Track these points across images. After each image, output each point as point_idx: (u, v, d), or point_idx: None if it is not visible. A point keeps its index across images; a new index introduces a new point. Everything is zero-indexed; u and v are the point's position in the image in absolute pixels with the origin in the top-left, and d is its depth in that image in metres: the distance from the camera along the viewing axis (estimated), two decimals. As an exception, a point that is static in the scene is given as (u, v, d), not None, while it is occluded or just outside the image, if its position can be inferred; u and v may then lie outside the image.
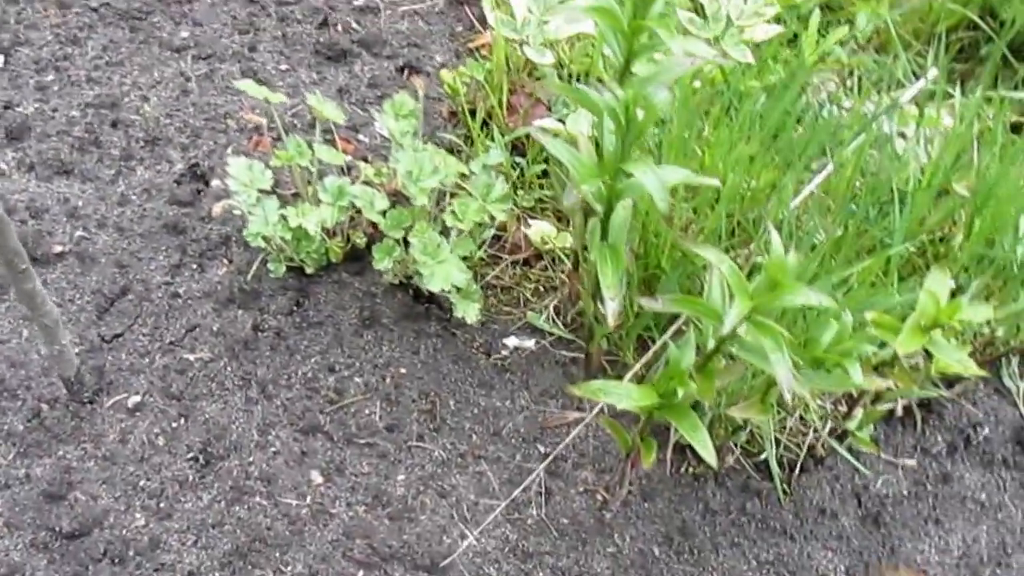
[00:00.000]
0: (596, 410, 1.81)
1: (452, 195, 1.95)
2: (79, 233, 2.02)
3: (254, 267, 1.97)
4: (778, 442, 1.77)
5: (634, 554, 1.69)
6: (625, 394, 1.46)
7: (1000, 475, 1.83)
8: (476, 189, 1.82)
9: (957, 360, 1.48)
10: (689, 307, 1.45)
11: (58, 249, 1.98)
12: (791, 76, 1.88)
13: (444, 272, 1.73)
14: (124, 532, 1.66)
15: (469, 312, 1.84)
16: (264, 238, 1.88)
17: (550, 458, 1.78)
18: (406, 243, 1.84)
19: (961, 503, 1.79)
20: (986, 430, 1.86)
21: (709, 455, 1.39)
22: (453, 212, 1.79)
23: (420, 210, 1.82)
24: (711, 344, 1.45)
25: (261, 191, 1.88)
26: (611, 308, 1.50)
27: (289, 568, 1.65)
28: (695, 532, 1.71)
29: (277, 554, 1.66)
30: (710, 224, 1.78)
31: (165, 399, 1.82)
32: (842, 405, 1.76)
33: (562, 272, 1.96)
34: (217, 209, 1.88)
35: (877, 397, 1.73)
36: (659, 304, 1.44)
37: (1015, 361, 1.92)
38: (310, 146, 1.90)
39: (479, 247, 1.92)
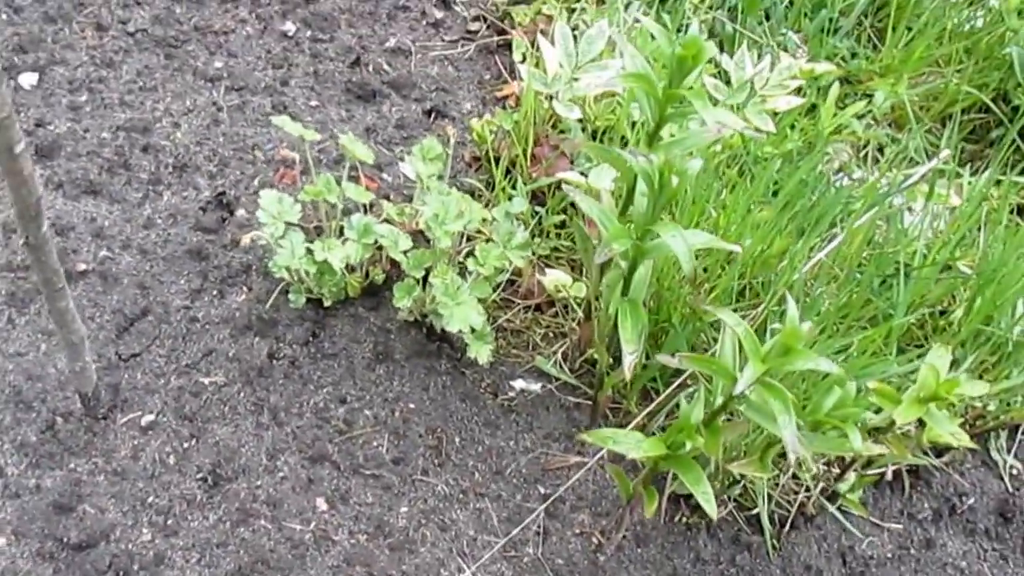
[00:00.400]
0: (598, 456, 1.85)
1: (470, 238, 2.02)
2: (103, 253, 2.07)
3: (273, 296, 2.02)
4: (770, 498, 1.82)
5: (626, 601, 1.74)
6: (635, 444, 1.51)
7: (982, 545, 1.88)
8: (498, 235, 1.88)
9: (951, 432, 1.54)
10: (704, 366, 1.51)
11: (82, 267, 2.03)
12: (808, 145, 1.96)
13: (462, 313, 1.79)
14: (130, 546, 1.70)
15: (481, 353, 1.89)
16: (288, 270, 1.94)
17: (550, 500, 1.83)
18: (424, 281, 1.90)
19: (942, 569, 1.84)
20: (971, 500, 1.91)
21: (710, 507, 1.44)
22: (474, 256, 1.85)
23: (442, 252, 1.88)
24: (719, 401, 1.51)
25: (288, 224, 1.94)
26: (628, 361, 1.55)
27: (290, 592, 1.69)
28: (684, 583, 1.76)
29: (278, 577, 1.70)
30: (722, 284, 1.85)
31: (178, 419, 1.86)
32: (835, 467, 1.82)
33: (573, 320, 2.02)
34: (245, 239, 1.94)
35: (869, 462, 1.79)
36: (676, 362, 1.49)
37: (1004, 435, 1.98)
38: (338, 183, 1.96)
39: (494, 291, 1.98)
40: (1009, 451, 1.99)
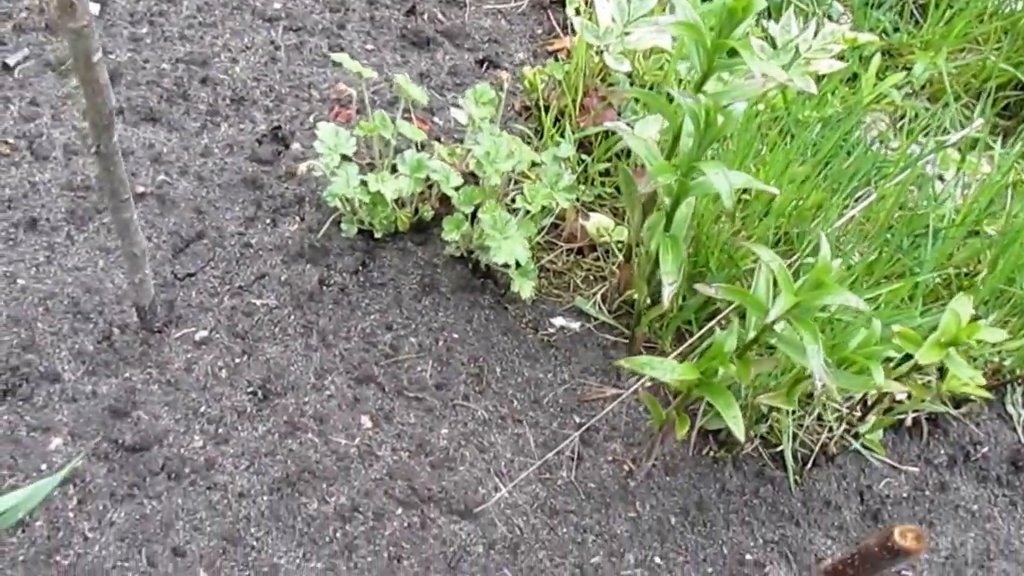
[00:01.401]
0: (633, 389, 1.94)
1: (517, 182, 2.10)
2: (161, 177, 2.16)
3: (325, 227, 2.11)
4: (794, 437, 1.91)
5: (652, 521, 1.82)
6: (669, 369, 1.59)
7: (993, 491, 1.97)
8: (546, 177, 1.96)
9: (969, 376, 1.62)
10: (739, 296, 1.59)
11: (140, 190, 2.11)
12: (848, 111, 2.04)
13: (509, 247, 1.87)
14: (182, 451, 1.79)
15: (524, 288, 1.97)
16: (342, 199, 2.02)
17: (584, 428, 1.91)
18: (472, 218, 1.99)
19: (954, 511, 1.92)
20: (985, 448, 2.00)
21: (739, 430, 1.52)
22: (523, 195, 1.93)
23: (492, 189, 1.96)
24: (751, 335, 1.59)
25: (344, 156, 2.02)
26: (668, 291, 1.64)
27: (333, 499, 1.77)
28: (710, 507, 1.84)
29: (324, 485, 1.79)
30: (759, 232, 1.93)
31: (230, 337, 1.95)
32: (857, 411, 1.90)
33: (613, 263, 2.10)
34: (302, 168, 2.02)
35: (889, 408, 1.87)
36: (712, 291, 1.58)
37: (1019, 390, 2.07)
38: (393, 121, 2.04)
39: (539, 232, 2.06)
40: (1023, 405, 2.08)
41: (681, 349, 1.95)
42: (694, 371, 1.58)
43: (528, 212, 1.95)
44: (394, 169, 2.04)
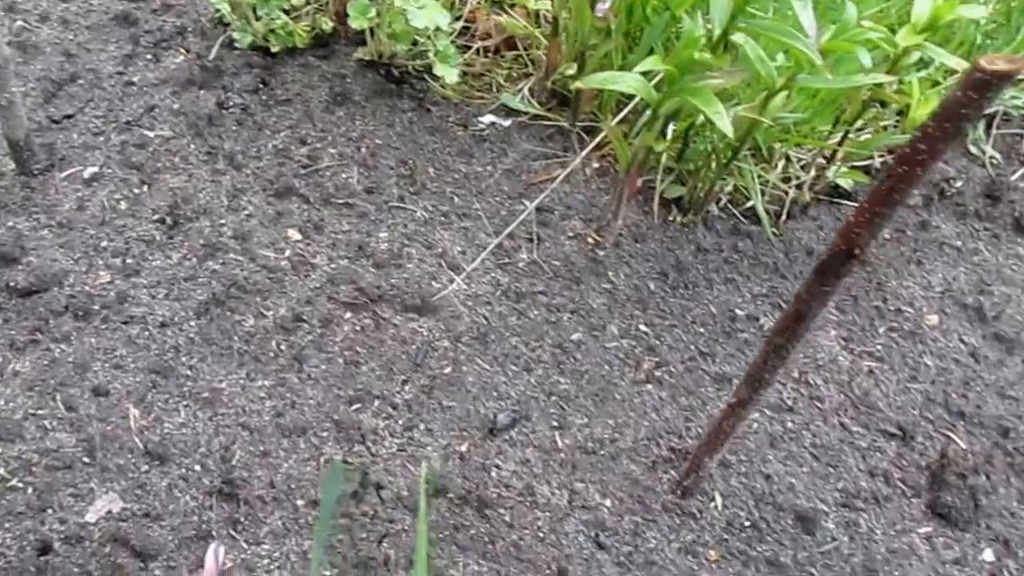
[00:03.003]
0: (583, 155, 1.77)
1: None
2: (19, 24, 1.91)
3: (215, 50, 1.89)
4: (763, 194, 1.77)
5: (629, 289, 1.65)
6: (632, 79, 1.43)
7: (973, 226, 1.86)
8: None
9: (955, 63, 1.50)
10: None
11: (-4, 43, 1.86)
12: None
13: (428, 14, 1.68)
14: (87, 288, 1.55)
15: (448, 74, 1.79)
16: (231, 3, 1.81)
17: (536, 202, 1.73)
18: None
19: (939, 248, 1.81)
20: (959, 183, 1.89)
21: (724, 125, 1.36)
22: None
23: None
24: (718, 31, 1.43)
25: (227, -39, 1.80)
26: (603, 6, 1.48)
27: (271, 312, 1.56)
28: (689, 268, 1.69)
29: (258, 299, 1.57)
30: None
31: (125, 169, 1.71)
32: (821, 159, 1.77)
33: (538, 48, 1.93)
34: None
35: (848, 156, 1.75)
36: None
37: (980, 127, 1.97)
38: (276, -83, 1.83)
39: (450, 34, 1.88)
40: (986, 143, 1.98)
41: (623, 115, 1.78)
42: (668, 62, 1.41)
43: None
44: (284, -26, 1.83)
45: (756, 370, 1.19)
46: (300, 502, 1.36)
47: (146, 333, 1.52)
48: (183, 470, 1.37)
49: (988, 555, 1.39)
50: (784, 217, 1.77)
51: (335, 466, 1.38)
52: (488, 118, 1.88)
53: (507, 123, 1.88)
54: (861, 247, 0.99)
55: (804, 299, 1.08)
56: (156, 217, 1.66)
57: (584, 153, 1.76)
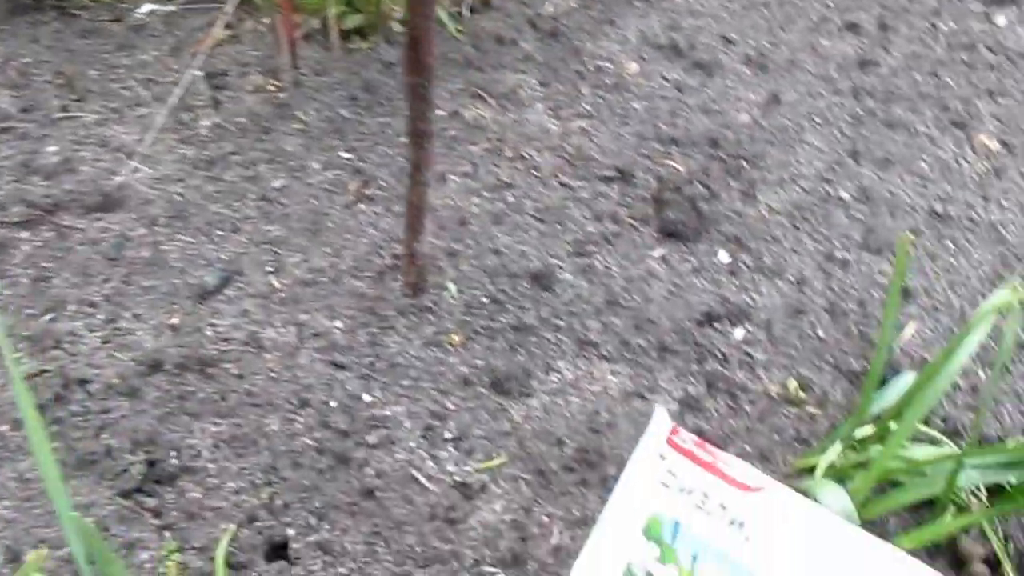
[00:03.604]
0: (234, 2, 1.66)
1: None
2: None
3: None
4: (441, -3, 1.70)
5: (322, 123, 1.56)
6: None
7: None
8: None
9: None
10: None
11: None
12: None
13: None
14: None
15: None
16: None
17: (199, 62, 1.61)
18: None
19: (628, 4, 1.76)
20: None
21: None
22: None
23: None
24: None
25: None
26: None
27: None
28: (379, 86, 1.60)
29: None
30: None
31: None
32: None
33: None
34: None
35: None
36: None
37: None
38: None
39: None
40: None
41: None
42: None
43: None
44: None
45: (413, 125, 1.11)
46: (4, 427, 1.22)
47: None
48: None
49: (723, 256, 1.36)
50: (469, 13, 1.69)
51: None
52: (147, 7, 1.76)
53: (168, 7, 1.75)
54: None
55: (413, 24, 1.00)
56: None
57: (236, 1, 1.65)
